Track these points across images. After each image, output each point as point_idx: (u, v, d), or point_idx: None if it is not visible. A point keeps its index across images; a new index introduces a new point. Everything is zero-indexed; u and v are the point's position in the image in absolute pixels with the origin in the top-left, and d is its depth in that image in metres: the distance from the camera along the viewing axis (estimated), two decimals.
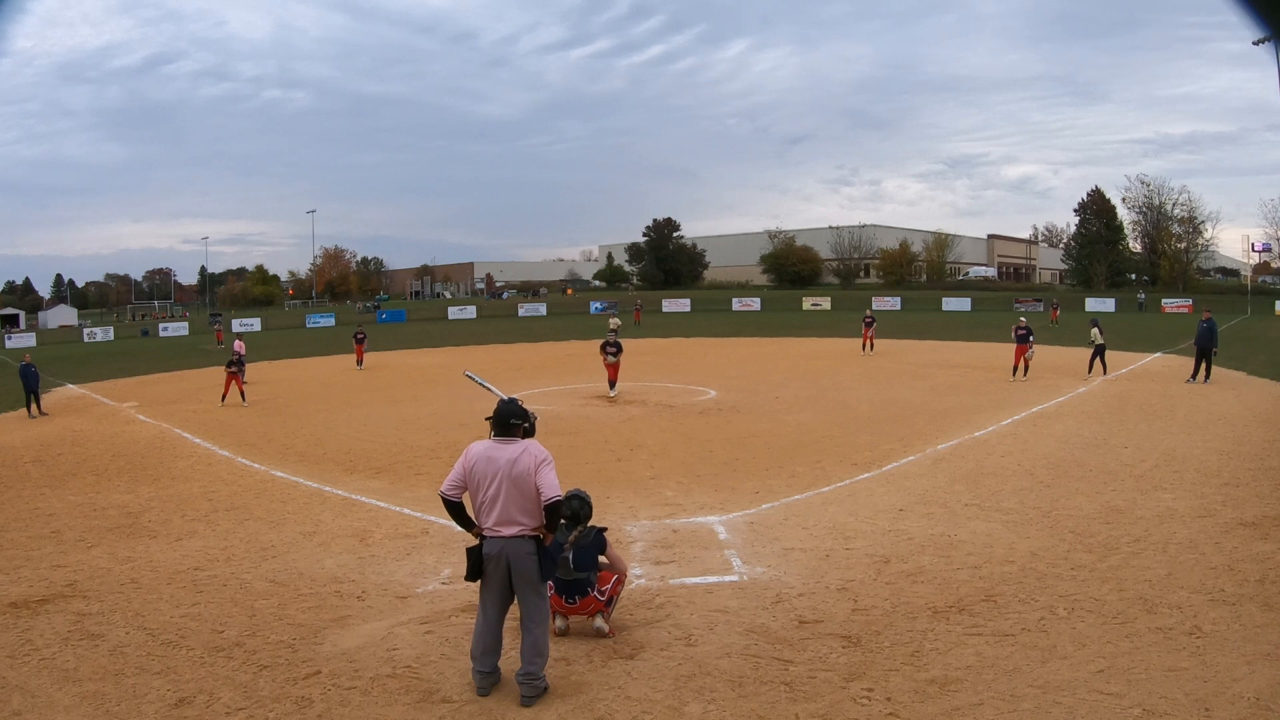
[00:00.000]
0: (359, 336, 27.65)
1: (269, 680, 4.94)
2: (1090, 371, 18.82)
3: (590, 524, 5.65)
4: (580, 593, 5.43)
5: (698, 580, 6.46)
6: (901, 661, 4.99)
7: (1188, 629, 5.30)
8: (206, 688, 4.84)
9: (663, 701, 4.58)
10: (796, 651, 5.16)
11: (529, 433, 4.91)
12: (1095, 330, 19.26)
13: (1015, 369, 18.73)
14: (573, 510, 5.54)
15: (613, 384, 17.41)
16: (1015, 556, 6.81)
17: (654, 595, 6.16)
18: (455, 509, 4.81)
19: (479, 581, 4.82)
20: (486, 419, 4.90)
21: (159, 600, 6.32)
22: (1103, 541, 7.14)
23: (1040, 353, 20.59)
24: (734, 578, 6.50)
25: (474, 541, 4.81)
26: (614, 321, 31.98)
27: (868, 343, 26.39)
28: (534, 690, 4.65)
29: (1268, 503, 8.24)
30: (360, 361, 26.67)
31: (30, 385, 17.64)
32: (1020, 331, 18.92)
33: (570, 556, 5.47)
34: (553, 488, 4.70)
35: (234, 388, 18.33)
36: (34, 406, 17.59)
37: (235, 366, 18.38)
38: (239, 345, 23.90)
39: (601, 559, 5.59)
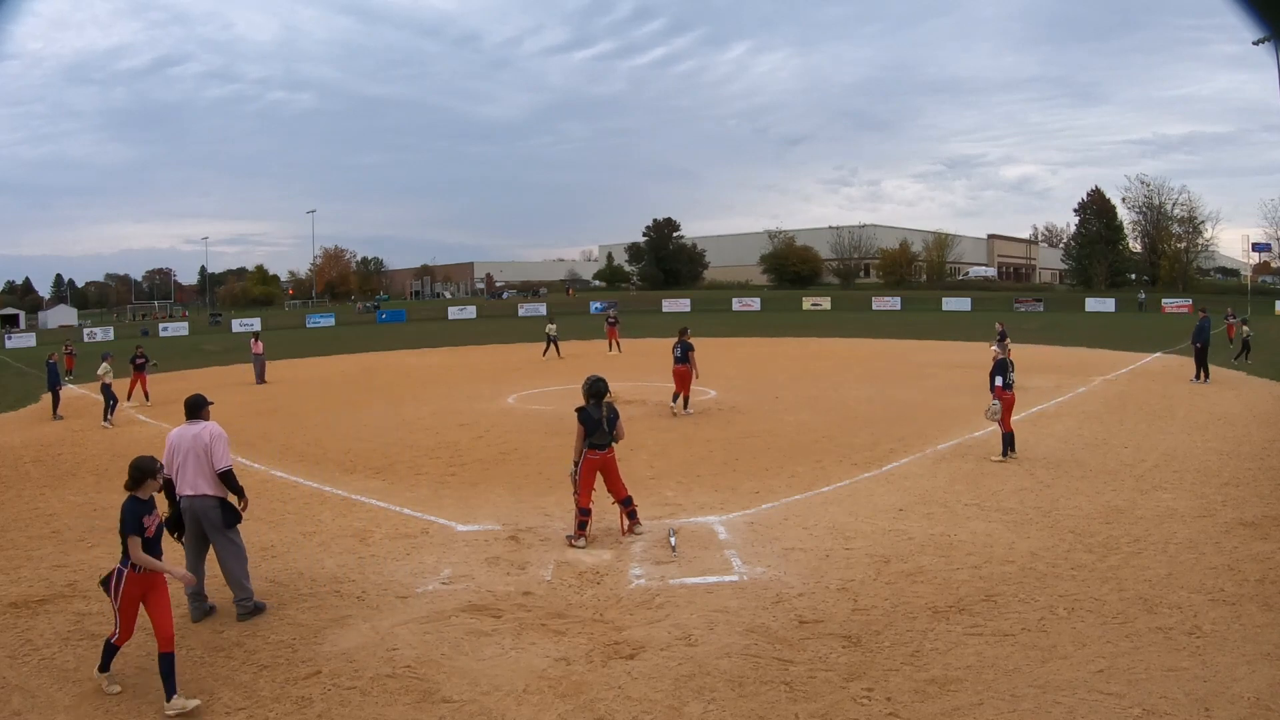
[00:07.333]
0: (139, 361, 19.37)
1: (269, 680, 4.94)
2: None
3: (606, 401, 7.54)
4: (612, 443, 7.59)
5: (698, 580, 6.46)
6: (901, 661, 4.99)
7: (1188, 629, 5.30)
8: (206, 688, 4.85)
9: (663, 701, 4.58)
10: (796, 651, 5.16)
11: None
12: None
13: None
14: (594, 384, 7.54)
15: (684, 399, 14.97)
16: (1015, 556, 6.81)
17: (654, 595, 6.16)
18: (169, 486, 5.85)
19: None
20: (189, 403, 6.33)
21: None
22: (1103, 541, 7.14)
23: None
24: (734, 578, 6.50)
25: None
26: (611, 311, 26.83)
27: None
28: (244, 610, 5.82)
29: (1268, 503, 8.24)
30: (144, 393, 19.25)
31: (51, 383, 17.60)
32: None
33: (607, 422, 7.47)
34: (223, 459, 5.94)
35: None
36: (55, 407, 17.38)
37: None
38: (258, 345, 23.54)
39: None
